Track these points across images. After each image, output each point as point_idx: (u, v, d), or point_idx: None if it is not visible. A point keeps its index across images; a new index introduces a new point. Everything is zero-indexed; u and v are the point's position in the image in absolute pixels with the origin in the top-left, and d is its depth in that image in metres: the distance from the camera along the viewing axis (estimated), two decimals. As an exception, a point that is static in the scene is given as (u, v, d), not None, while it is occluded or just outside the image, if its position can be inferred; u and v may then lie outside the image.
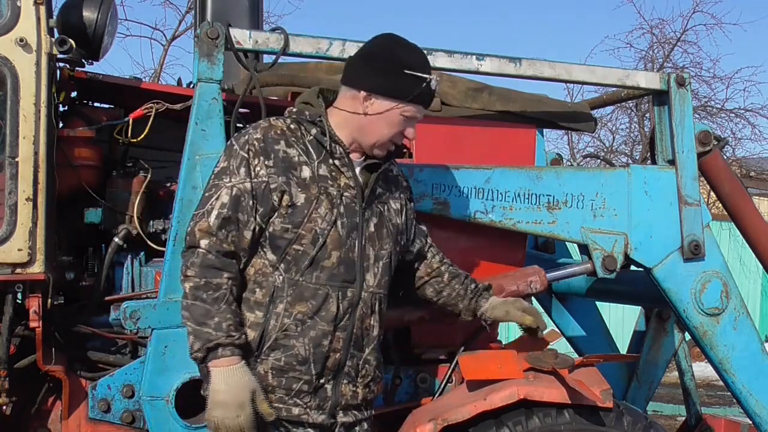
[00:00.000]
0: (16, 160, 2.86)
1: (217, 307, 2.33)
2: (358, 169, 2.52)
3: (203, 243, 2.37)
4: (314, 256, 2.42)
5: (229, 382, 2.31)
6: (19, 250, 2.86)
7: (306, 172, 2.44)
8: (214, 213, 2.38)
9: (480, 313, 2.85)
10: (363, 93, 2.47)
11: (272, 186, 2.40)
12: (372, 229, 2.53)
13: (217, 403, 2.31)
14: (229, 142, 2.50)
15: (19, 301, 2.98)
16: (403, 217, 2.67)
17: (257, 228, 2.41)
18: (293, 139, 2.47)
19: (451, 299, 2.84)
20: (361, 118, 2.48)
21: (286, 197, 2.41)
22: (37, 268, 2.88)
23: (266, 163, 2.41)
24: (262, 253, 2.45)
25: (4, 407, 2.98)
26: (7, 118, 2.87)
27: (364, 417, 2.58)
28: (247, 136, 2.46)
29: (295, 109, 2.55)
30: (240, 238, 2.40)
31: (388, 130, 2.48)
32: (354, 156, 2.53)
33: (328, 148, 2.47)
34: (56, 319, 3.07)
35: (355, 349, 2.49)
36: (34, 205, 2.87)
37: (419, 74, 2.44)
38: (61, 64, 3.18)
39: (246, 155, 2.42)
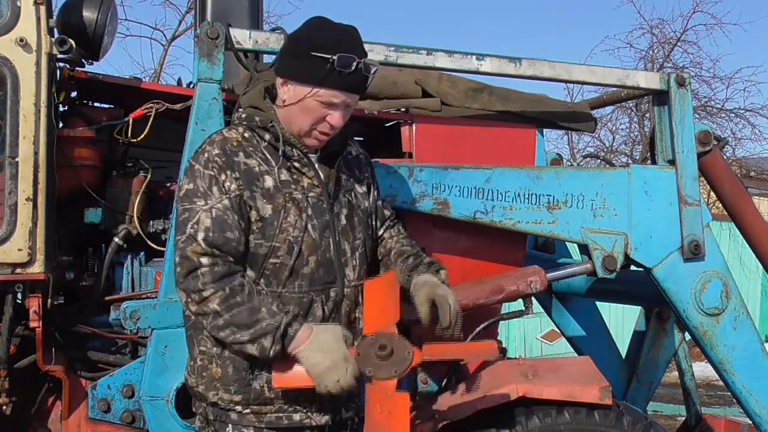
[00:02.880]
0: (16, 160, 2.86)
1: (256, 300, 2.28)
2: (316, 164, 2.46)
3: (204, 260, 2.28)
4: (293, 266, 2.37)
5: (321, 347, 2.27)
6: (19, 250, 2.86)
7: (269, 182, 2.38)
8: (200, 236, 2.29)
9: (410, 289, 2.56)
10: (280, 80, 2.42)
11: (244, 198, 2.35)
12: (344, 221, 2.48)
13: (325, 371, 2.26)
14: (189, 164, 2.41)
15: (19, 301, 2.98)
16: (371, 197, 2.61)
17: (246, 242, 2.35)
18: (250, 148, 2.40)
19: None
20: (285, 108, 2.41)
21: (253, 212, 2.35)
22: (37, 268, 2.88)
23: (234, 176, 2.34)
24: None
25: (4, 407, 2.98)
26: (7, 118, 2.87)
27: (357, 409, 2.57)
28: (206, 154, 2.37)
29: (244, 116, 2.47)
30: (237, 254, 2.33)
31: (305, 118, 2.37)
32: (311, 151, 2.46)
33: (281, 153, 2.40)
34: (56, 319, 3.07)
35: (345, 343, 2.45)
36: (34, 205, 2.87)
37: (323, 55, 2.29)
38: (61, 64, 3.18)
39: (212, 173, 2.34)
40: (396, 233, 2.71)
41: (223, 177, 2.34)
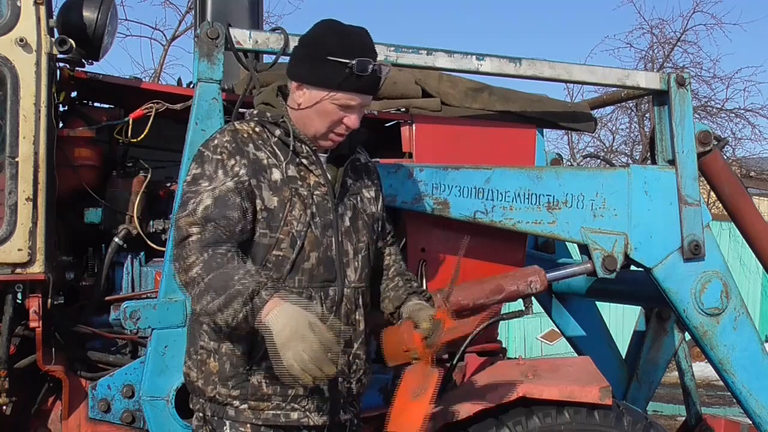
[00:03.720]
0: (16, 160, 2.86)
1: (233, 264, 2.22)
2: (324, 165, 2.48)
3: (194, 230, 2.28)
4: (294, 260, 2.37)
5: (284, 320, 2.13)
6: (19, 250, 2.86)
7: (276, 175, 2.40)
8: (200, 209, 2.30)
9: (403, 306, 2.59)
10: (295, 84, 2.44)
11: (252, 184, 2.36)
12: (347, 223, 2.49)
13: (282, 344, 2.12)
14: (198, 150, 2.43)
15: (19, 301, 2.98)
16: (380, 204, 2.63)
17: (247, 226, 2.35)
18: (260, 141, 2.43)
19: (387, 290, 2.65)
20: (300, 111, 2.43)
21: (258, 201, 2.36)
22: (37, 268, 2.88)
23: (243, 162, 2.36)
24: None
25: (4, 407, 2.98)
26: (7, 118, 2.87)
27: (357, 411, 2.58)
28: (216, 141, 2.40)
29: (255, 111, 2.51)
30: (233, 233, 2.31)
31: (322, 121, 2.40)
32: (320, 151, 2.48)
33: (292, 148, 2.42)
34: (56, 319, 3.06)
35: (345, 346, 2.45)
36: (34, 205, 2.87)
37: (341, 59, 2.33)
38: (61, 64, 3.18)
39: (220, 157, 2.36)
40: (395, 252, 2.74)
41: (231, 162, 2.36)
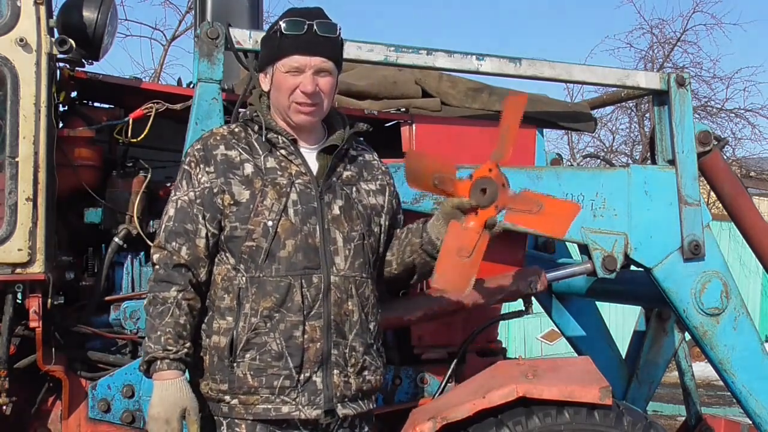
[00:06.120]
0: (16, 160, 2.86)
1: (159, 320, 2.38)
2: (314, 154, 2.52)
3: (155, 258, 2.45)
4: (269, 249, 2.41)
5: (162, 396, 2.35)
6: (19, 250, 2.86)
7: (248, 169, 2.47)
8: (164, 227, 2.47)
9: (429, 227, 2.60)
10: (261, 76, 2.56)
11: (215, 190, 2.45)
12: (337, 211, 2.49)
13: (150, 416, 2.37)
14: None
15: (19, 301, 2.98)
16: (386, 197, 2.64)
17: (210, 234, 2.45)
18: (234, 141, 2.51)
19: (404, 242, 2.65)
20: (271, 97, 2.54)
21: (227, 197, 2.44)
22: (37, 268, 2.88)
23: (207, 169, 2.47)
24: (225, 258, 2.46)
25: (4, 407, 2.98)
26: (7, 118, 2.87)
27: (364, 411, 2.52)
28: (190, 149, 2.54)
29: (240, 114, 2.62)
30: (193, 248, 2.43)
31: (282, 94, 2.48)
32: (308, 143, 2.53)
33: (265, 139, 2.49)
34: (56, 319, 3.06)
35: (338, 336, 2.44)
36: (34, 205, 2.87)
37: (273, 29, 2.46)
38: (61, 64, 3.18)
39: (188, 167, 2.50)
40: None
41: (197, 170, 2.48)
